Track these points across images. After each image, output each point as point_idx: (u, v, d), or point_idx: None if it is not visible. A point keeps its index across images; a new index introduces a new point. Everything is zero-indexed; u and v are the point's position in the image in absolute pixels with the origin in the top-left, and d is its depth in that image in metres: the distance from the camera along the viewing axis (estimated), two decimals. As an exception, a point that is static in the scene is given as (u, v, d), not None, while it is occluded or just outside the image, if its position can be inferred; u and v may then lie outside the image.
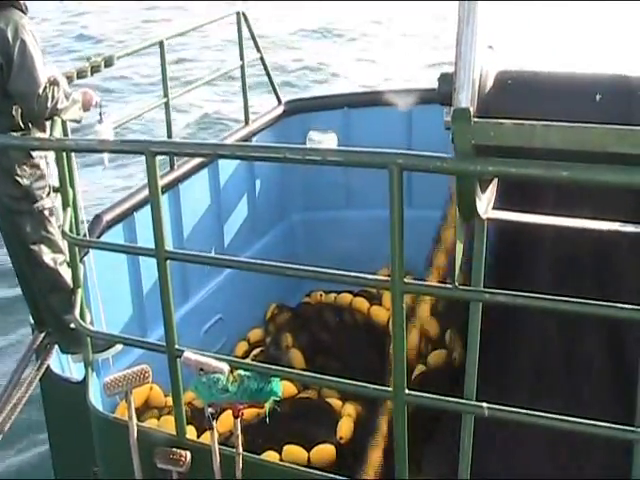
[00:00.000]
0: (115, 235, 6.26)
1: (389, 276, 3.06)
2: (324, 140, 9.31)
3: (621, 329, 5.16)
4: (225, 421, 4.07)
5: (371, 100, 8.34)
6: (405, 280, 3.05)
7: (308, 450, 5.70)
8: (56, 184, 5.03)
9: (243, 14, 7.68)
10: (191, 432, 4.66)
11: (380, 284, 3.58)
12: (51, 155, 5.06)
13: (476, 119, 2.94)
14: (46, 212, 5.11)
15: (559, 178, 2.70)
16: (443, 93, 3.27)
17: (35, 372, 5.13)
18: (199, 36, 19.10)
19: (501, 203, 3.64)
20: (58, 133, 5.09)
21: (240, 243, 7.75)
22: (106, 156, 5.98)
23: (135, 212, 6.42)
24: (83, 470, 4.83)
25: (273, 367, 3.84)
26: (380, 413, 5.04)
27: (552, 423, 2.99)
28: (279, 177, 8.31)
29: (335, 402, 6.25)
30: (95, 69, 6.13)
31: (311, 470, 4.26)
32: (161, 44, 6.83)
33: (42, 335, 5.35)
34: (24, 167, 4.99)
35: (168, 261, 3.65)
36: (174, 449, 3.87)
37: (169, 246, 3.76)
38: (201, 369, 3.60)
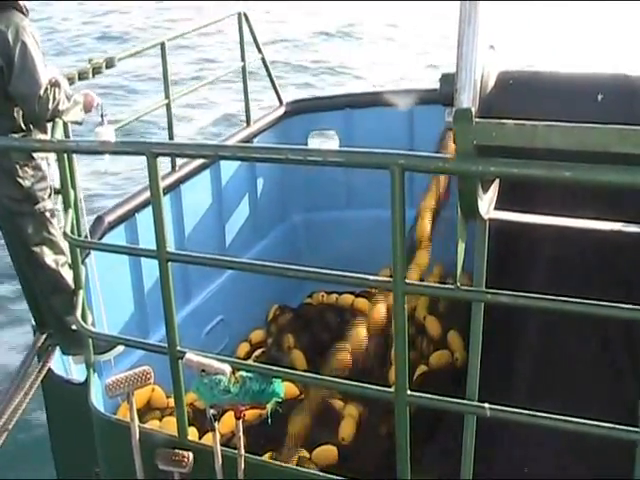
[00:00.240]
0: (116, 236, 6.26)
1: (391, 276, 3.06)
2: (325, 141, 9.32)
3: (624, 329, 5.16)
4: (227, 422, 4.07)
5: (372, 100, 8.34)
6: (406, 280, 3.05)
7: (310, 451, 5.70)
8: (57, 185, 5.03)
9: (244, 14, 7.68)
10: (193, 433, 4.65)
11: (381, 285, 3.58)
12: (52, 157, 5.06)
13: (478, 119, 2.94)
14: (47, 214, 5.10)
15: (561, 178, 2.69)
16: (445, 93, 3.27)
17: (37, 374, 5.12)
18: (219, 36, 19.09)
19: (501, 204, 3.64)
20: (59, 135, 5.09)
21: (241, 244, 7.75)
22: (107, 158, 5.98)
23: (136, 213, 6.42)
24: (85, 471, 4.82)
25: (275, 368, 3.84)
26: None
27: (554, 424, 2.98)
28: (280, 178, 8.31)
29: (337, 403, 6.25)
30: (96, 70, 6.14)
31: (313, 471, 4.27)
32: (162, 45, 6.84)
33: (44, 337, 5.34)
34: (25, 169, 4.99)
35: (169, 262, 3.65)
36: (176, 450, 3.87)
37: (170, 247, 3.76)
38: (203, 370, 3.60)
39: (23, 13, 4.97)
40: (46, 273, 5.13)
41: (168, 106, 7.00)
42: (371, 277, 3.31)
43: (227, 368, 3.59)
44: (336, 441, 5.86)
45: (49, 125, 5.11)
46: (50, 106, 4.90)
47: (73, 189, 4.91)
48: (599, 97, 3.15)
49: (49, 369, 5.21)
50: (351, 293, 7.88)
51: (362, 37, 22.90)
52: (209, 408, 3.69)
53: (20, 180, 4.97)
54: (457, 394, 3.32)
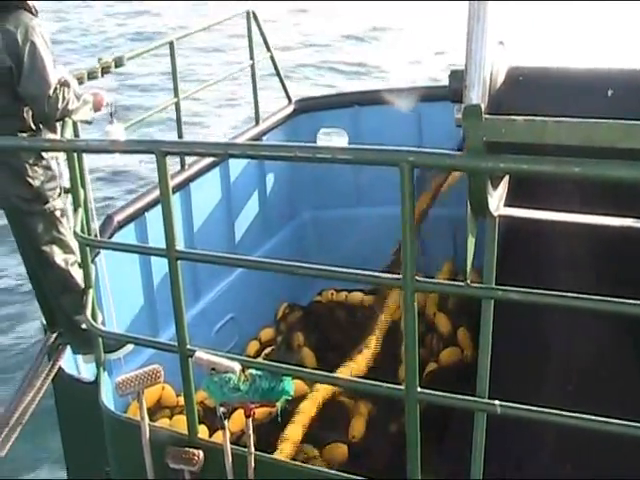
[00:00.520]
0: (126, 235, 6.27)
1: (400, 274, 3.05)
2: (334, 138, 9.31)
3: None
4: (237, 420, 4.07)
5: (381, 98, 8.33)
6: (417, 278, 3.04)
7: (320, 450, 5.70)
8: (67, 185, 5.04)
9: (253, 13, 7.68)
10: (203, 432, 4.66)
11: (391, 282, 3.57)
12: (62, 156, 5.06)
13: (487, 116, 2.92)
14: (57, 213, 5.11)
15: (571, 174, 2.68)
16: (454, 90, 3.25)
17: (47, 373, 5.14)
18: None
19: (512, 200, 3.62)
20: (69, 134, 5.09)
21: (251, 242, 7.75)
22: (116, 157, 5.99)
23: (146, 212, 6.44)
24: (96, 470, 4.83)
25: (284, 366, 3.84)
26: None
27: (566, 421, 2.97)
28: (289, 176, 8.31)
29: (347, 401, 6.24)
30: (105, 70, 6.14)
31: (323, 469, 4.26)
32: (171, 45, 6.85)
33: (54, 336, 5.36)
34: (35, 168, 5.00)
35: (179, 261, 3.65)
36: (186, 449, 3.87)
37: (180, 246, 3.76)
38: (213, 368, 3.60)
39: (32, 13, 4.97)
40: (56, 272, 5.14)
41: (177, 105, 7.01)
42: (381, 275, 3.31)
43: (237, 366, 3.59)
44: (346, 439, 5.86)
45: (59, 125, 5.12)
46: (59, 106, 4.90)
47: (83, 188, 4.93)
48: (609, 92, 3.14)
49: (59, 368, 5.22)
50: (360, 291, 7.88)
51: (383, 37, 22.92)
52: (219, 406, 3.69)
53: (30, 180, 4.98)
54: (466, 392, 3.31)
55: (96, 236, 5.58)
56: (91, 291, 4.68)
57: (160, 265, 5.50)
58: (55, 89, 4.89)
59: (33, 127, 4.99)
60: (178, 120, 7.09)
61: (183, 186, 6.93)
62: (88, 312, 4.54)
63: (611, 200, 3.85)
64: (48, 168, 5.05)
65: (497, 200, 3.40)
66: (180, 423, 5.10)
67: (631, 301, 2.77)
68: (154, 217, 6.20)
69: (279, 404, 3.68)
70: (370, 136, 7.87)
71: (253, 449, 3.73)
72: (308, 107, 8.44)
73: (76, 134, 5.53)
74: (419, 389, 3.18)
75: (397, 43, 21.69)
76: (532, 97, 3.29)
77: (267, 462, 3.83)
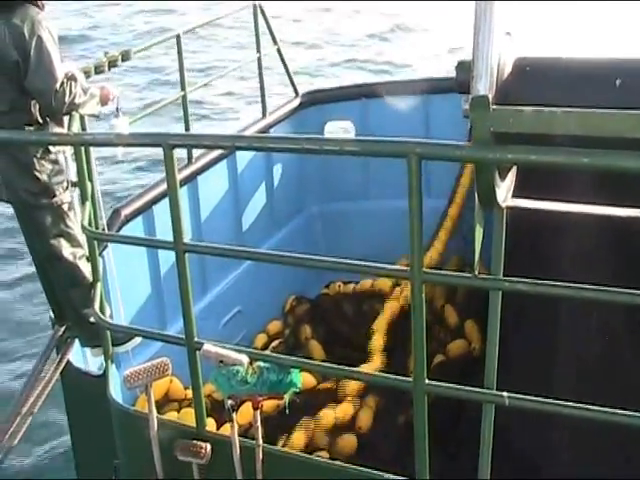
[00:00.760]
0: (134, 229, 6.27)
1: (408, 266, 3.04)
2: (341, 131, 9.30)
3: None
4: (245, 413, 4.07)
5: (388, 90, 8.31)
6: (424, 270, 3.04)
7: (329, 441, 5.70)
8: (74, 179, 5.04)
9: (260, 7, 7.67)
10: (211, 424, 4.66)
11: (399, 274, 3.56)
12: (69, 150, 5.07)
13: (495, 106, 2.91)
14: (65, 206, 5.12)
15: (580, 164, 2.67)
16: (461, 81, 3.24)
17: (56, 366, 5.16)
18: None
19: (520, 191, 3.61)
20: (76, 128, 5.09)
21: (258, 235, 7.75)
22: (120, 150, 5.98)
23: (153, 205, 6.43)
24: (104, 463, 4.84)
25: (292, 358, 3.83)
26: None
27: (574, 412, 2.96)
28: (297, 169, 8.30)
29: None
30: (112, 64, 6.14)
31: (331, 461, 4.26)
32: (178, 38, 6.85)
33: (62, 329, 5.37)
34: (42, 162, 5.00)
35: (187, 254, 3.65)
36: (194, 441, 3.87)
37: (187, 239, 3.76)
38: (221, 361, 3.60)
39: (39, 7, 4.97)
40: (64, 266, 5.15)
41: (184, 98, 7.01)
42: (388, 266, 3.30)
43: (245, 359, 3.59)
44: (354, 430, 5.86)
45: (66, 119, 5.12)
46: (66, 100, 4.91)
47: (90, 182, 4.93)
48: (617, 82, 3.12)
49: (68, 361, 5.24)
50: (368, 284, 7.87)
51: (406, 35, 22.93)
52: (227, 399, 3.69)
53: (37, 174, 4.99)
54: (474, 384, 3.30)
55: (104, 230, 5.58)
56: (99, 284, 4.68)
57: (168, 258, 5.51)
58: (62, 83, 4.89)
59: (40, 121, 4.99)
60: (185, 113, 7.09)
61: (190, 179, 6.92)
62: (96, 305, 4.54)
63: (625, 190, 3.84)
64: (55, 162, 5.06)
65: (505, 191, 3.39)
66: (188, 416, 5.11)
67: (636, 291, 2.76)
68: (161, 210, 6.20)
69: (287, 396, 3.68)
70: (377, 128, 7.86)
71: (261, 441, 3.73)
72: (315, 100, 8.42)
73: (83, 128, 5.53)
74: (427, 381, 3.17)
75: (420, 41, 21.70)
76: (539, 87, 3.27)
77: (275, 454, 3.84)
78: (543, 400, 3.00)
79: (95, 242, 4.61)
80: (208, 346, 3.65)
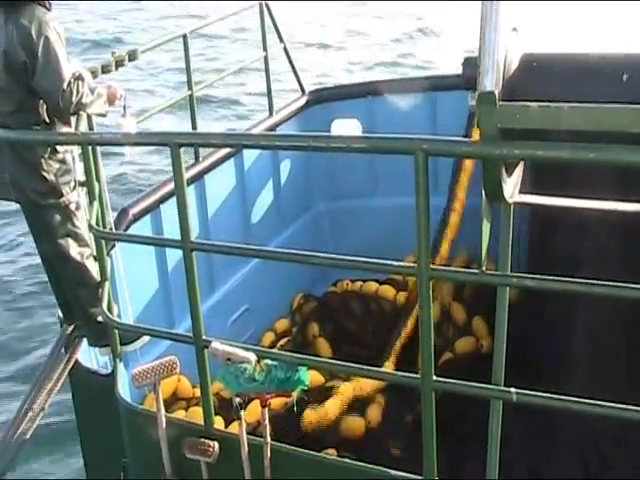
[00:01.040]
0: (141, 228, 6.28)
1: (415, 262, 3.04)
2: (348, 129, 9.29)
3: None
4: (253, 411, 4.07)
5: (394, 88, 8.30)
6: (431, 266, 3.04)
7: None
8: (82, 178, 5.05)
9: (266, 5, 7.67)
10: (219, 422, 4.67)
11: (406, 270, 3.56)
12: (77, 149, 5.07)
13: (501, 102, 2.91)
14: (72, 206, 5.12)
15: (586, 160, 2.66)
16: (467, 77, 3.24)
17: (64, 365, 5.17)
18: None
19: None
20: (83, 128, 5.10)
21: (266, 233, 7.75)
22: (128, 149, 5.98)
23: (161, 204, 6.44)
24: (113, 461, 4.85)
25: (300, 356, 3.83)
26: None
27: (583, 408, 2.96)
28: (304, 167, 8.30)
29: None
30: (119, 64, 6.15)
31: (339, 458, 4.26)
32: (184, 37, 6.85)
33: (70, 328, 5.38)
34: (50, 162, 5.01)
35: (194, 252, 3.65)
36: (202, 439, 3.88)
37: (195, 237, 3.76)
38: (228, 359, 3.60)
39: (46, 7, 4.98)
40: (71, 266, 5.16)
41: (191, 97, 7.01)
42: (396, 263, 3.30)
43: (252, 356, 3.59)
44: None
45: (73, 118, 5.13)
46: (74, 100, 4.91)
47: (97, 181, 4.93)
48: (625, 77, 3.11)
49: (76, 360, 5.25)
50: (376, 281, 7.87)
51: (438, 34, 22.96)
52: (235, 397, 3.70)
53: (45, 173, 4.99)
54: (482, 381, 3.30)
55: (111, 229, 5.59)
56: (107, 284, 4.69)
57: (175, 257, 5.52)
58: (69, 83, 4.89)
59: (48, 121, 5.00)
60: (192, 112, 7.09)
61: (198, 178, 6.93)
62: (104, 305, 4.55)
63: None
64: (62, 162, 5.06)
65: (512, 187, 3.38)
66: (196, 414, 5.12)
67: None
68: (169, 209, 6.21)
69: (295, 394, 3.69)
70: (384, 126, 7.85)
71: (269, 439, 3.74)
72: (322, 98, 8.42)
73: (90, 127, 5.53)
74: (435, 377, 3.17)
75: (446, 42, 21.76)
76: (546, 83, 3.26)
77: (283, 452, 3.84)
78: (552, 396, 2.99)
79: (103, 241, 4.61)
80: (216, 344, 3.65)
